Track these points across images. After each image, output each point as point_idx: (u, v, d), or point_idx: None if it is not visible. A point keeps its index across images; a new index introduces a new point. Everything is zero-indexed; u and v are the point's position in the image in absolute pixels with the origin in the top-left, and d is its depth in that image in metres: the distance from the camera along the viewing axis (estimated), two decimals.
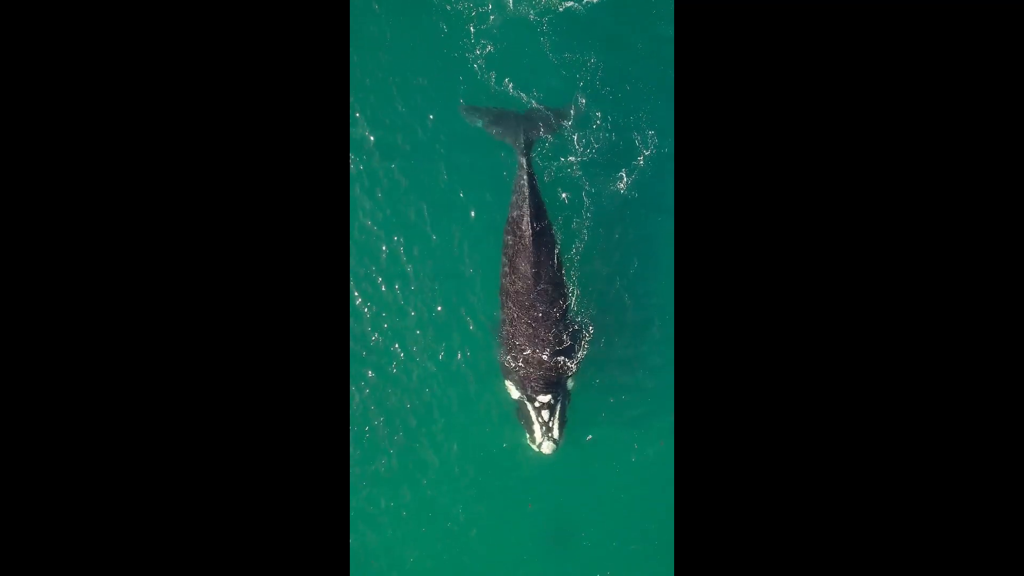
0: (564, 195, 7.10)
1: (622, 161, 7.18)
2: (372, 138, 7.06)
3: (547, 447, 6.28)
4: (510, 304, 6.49)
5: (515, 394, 6.42)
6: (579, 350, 6.59)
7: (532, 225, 6.38)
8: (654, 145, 7.19)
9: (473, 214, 7.08)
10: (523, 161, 6.64)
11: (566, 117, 7.01)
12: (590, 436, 6.88)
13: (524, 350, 6.35)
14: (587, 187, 7.12)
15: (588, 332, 6.65)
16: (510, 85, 7.11)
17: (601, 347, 6.88)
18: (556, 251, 6.60)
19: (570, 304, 6.62)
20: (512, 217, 6.64)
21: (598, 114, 7.16)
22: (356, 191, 6.99)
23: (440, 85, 7.14)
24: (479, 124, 6.98)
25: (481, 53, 7.12)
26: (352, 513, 6.42)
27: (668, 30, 7.05)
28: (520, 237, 6.46)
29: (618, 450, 6.96)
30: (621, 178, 7.15)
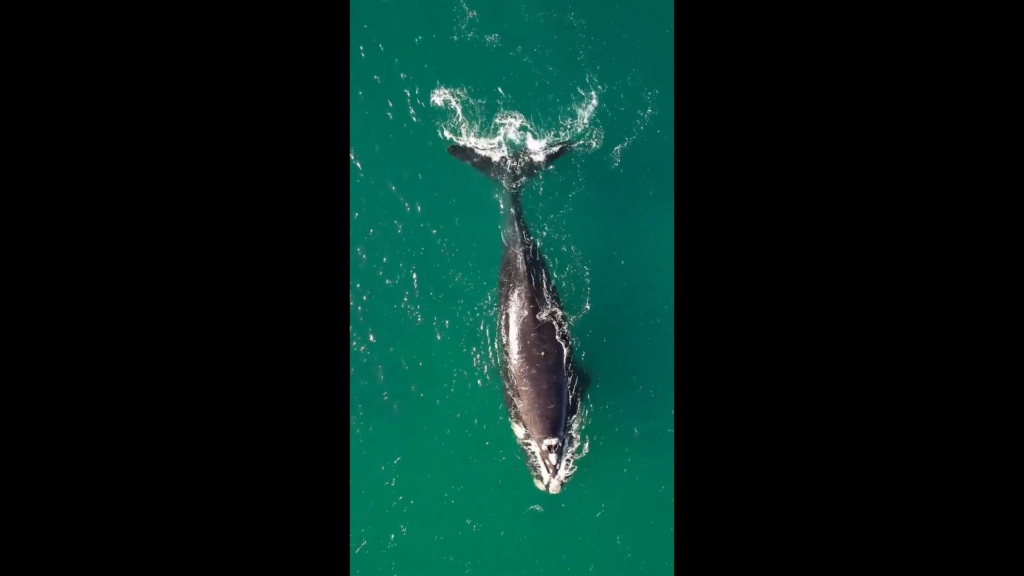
0: (556, 169, 6.97)
1: (618, 135, 6.99)
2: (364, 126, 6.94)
3: (555, 488, 6.28)
4: (511, 345, 6.45)
5: (520, 433, 6.41)
6: (581, 393, 6.56)
7: (528, 279, 6.39)
8: (651, 117, 6.99)
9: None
10: (513, 210, 6.50)
11: (557, 155, 6.82)
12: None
13: (528, 395, 6.32)
14: (580, 161, 6.98)
15: (589, 374, 6.65)
16: (496, 37, 6.93)
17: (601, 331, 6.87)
18: (552, 285, 6.57)
19: (573, 348, 6.55)
20: (506, 266, 6.58)
21: (588, 79, 6.97)
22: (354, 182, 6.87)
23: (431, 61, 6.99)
24: (466, 163, 6.82)
25: (468, 22, 6.96)
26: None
27: None
28: (515, 289, 6.44)
29: (614, 418, 6.88)
30: (616, 154, 6.98)
